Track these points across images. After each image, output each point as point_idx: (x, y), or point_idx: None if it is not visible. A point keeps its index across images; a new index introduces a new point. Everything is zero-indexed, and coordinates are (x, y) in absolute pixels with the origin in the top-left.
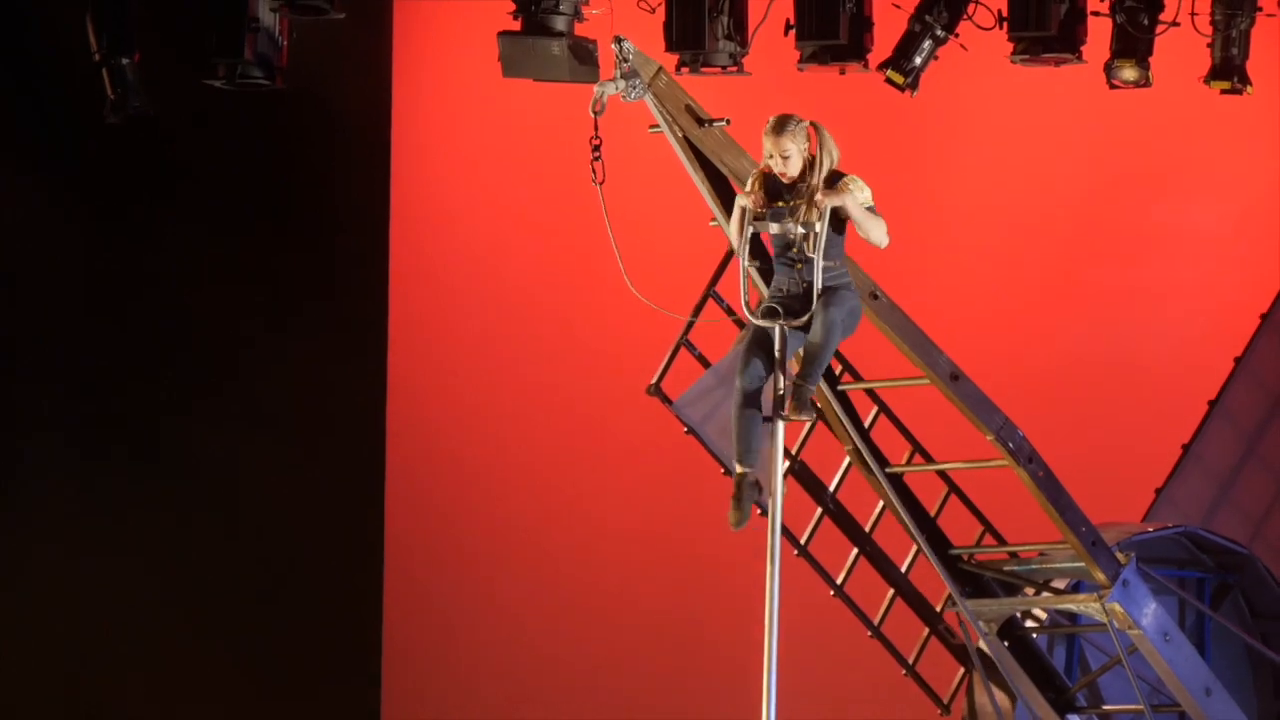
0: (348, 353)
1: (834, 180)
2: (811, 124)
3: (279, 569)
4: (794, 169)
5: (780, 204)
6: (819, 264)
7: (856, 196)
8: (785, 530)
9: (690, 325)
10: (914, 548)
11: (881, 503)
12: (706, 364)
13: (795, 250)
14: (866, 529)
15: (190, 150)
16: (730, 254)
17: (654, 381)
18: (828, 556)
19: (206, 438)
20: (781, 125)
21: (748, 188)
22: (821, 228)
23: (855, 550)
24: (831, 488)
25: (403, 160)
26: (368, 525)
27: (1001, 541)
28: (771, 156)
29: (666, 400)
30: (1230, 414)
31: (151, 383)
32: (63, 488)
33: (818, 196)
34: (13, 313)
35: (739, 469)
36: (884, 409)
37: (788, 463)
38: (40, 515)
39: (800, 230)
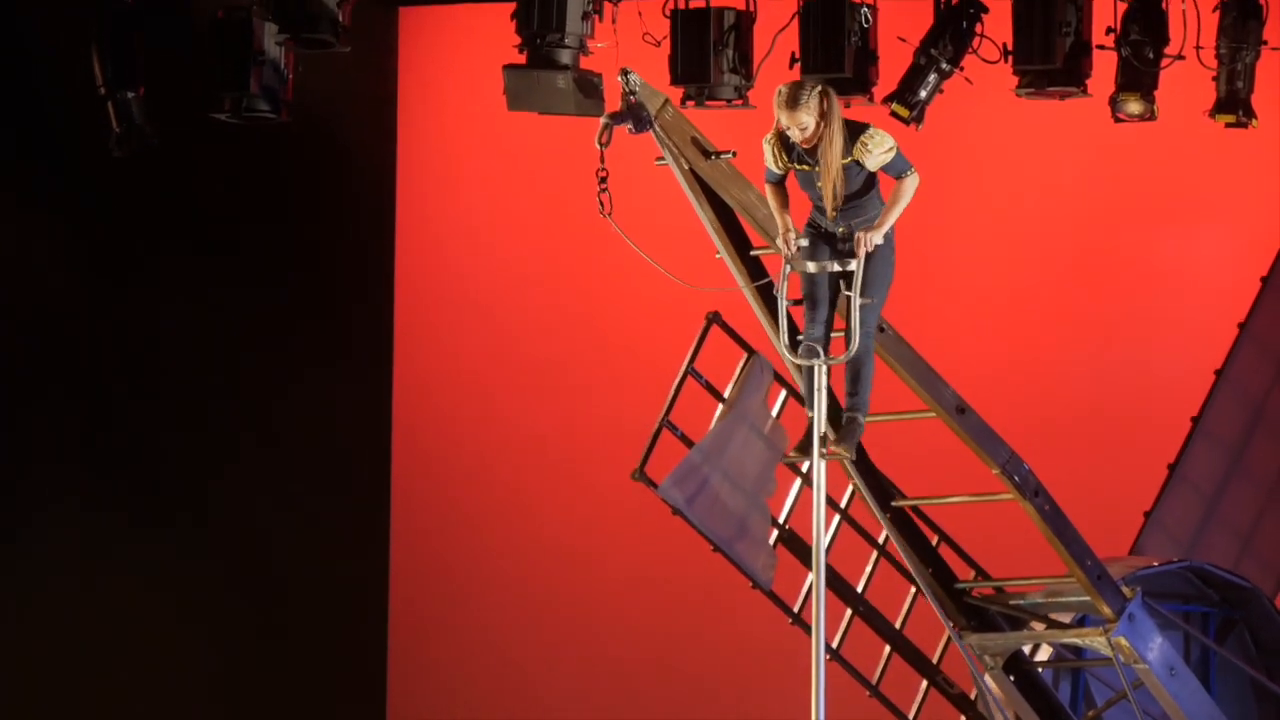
0: (352, 382)
1: (854, 132)
2: (823, 90)
3: (283, 595)
4: (811, 135)
5: (802, 166)
6: (856, 303)
7: (880, 150)
8: (775, 598)
9: (670, 406)
10: (911, 590)
11: (874, 554)
12: (689, 443)
13: (829, 209)
14: (859, 588)
15: (195, 183)
16: (710, 323)
17: (638, 467)
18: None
19: (211, 466)
20: (795, 99)
21: (768, 142)
22: (859, 265)
23: (849, 611)
24: (825, 549)
25: (408, 193)
26: (373, 555)
27: (988, 578)
28: (789, 129)
29: (651, 484)
30: (1212, 430)
31: (156, 411)
32: (66, 515)
33: (857, 235)
34: (16, 342)
35: (811, 415)
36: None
37: (775, 531)
38: (45, 542)
39: (828, 194)
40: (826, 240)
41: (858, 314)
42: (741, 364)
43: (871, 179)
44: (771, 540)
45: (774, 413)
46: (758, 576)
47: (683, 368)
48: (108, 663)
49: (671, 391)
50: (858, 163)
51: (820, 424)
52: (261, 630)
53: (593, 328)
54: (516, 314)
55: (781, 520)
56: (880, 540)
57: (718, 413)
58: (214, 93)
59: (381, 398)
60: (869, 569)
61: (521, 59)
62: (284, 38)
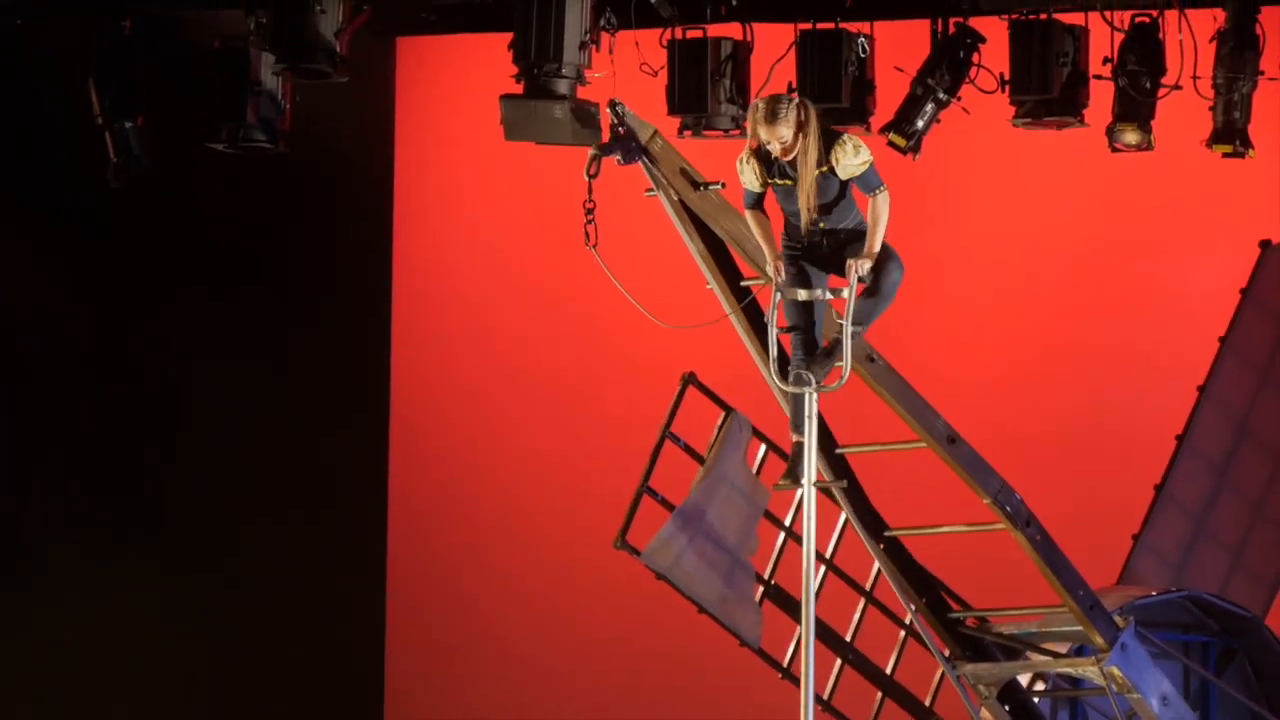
0: (350, 412)
1: (829, 140)
2: (801, 102)
3: (283, 635)
4: (790, 147)
5: (782, 180)
6: (849, 330)
7: (854, 161)
8: (764, 654)
9: (649, 471)
10: (901, 634)
11: (862, 602)
12: (670, 507)
13: (804, 221)
14: (848, 636)
15: (193, 212)
16: (685, 385)
17: (619, 536)
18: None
19: (209, 502)
20: (774, 113)
21: (743, 161)
22: (850, 293)
23: (839, 661)
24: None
25: (405, 223)
26: (370, 594)
27: (965, 606)
28: (768, 142)
29: (635, 552)
30: (1198, 447)
31: (154, 446)
32: (67, 555)
33: (849, 263)
34: (16, 368)
35: (794, 437)
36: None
37: (760, 589)
38: (46, 583)
39: (804, 205)
40: (808, 254)
41: (849, 342)
42: (720, 423)
43: (846, 186)
44: (757, 597)
45: (754, 469)
46: (745, 635)
47: (660, 432)
48: (108, 659)
49: (650, 457)
50: (832, 170)
51: (811, 451)
52: (261, 638)
53: (590, 349)
54: (514, 338)
55: (767, 575)
56: (869, 586)
57: (698, 474)
58: (211, 123)
59: (379, 420)
60: (857, 616)
61: (519, 89)
62: (281, 68)
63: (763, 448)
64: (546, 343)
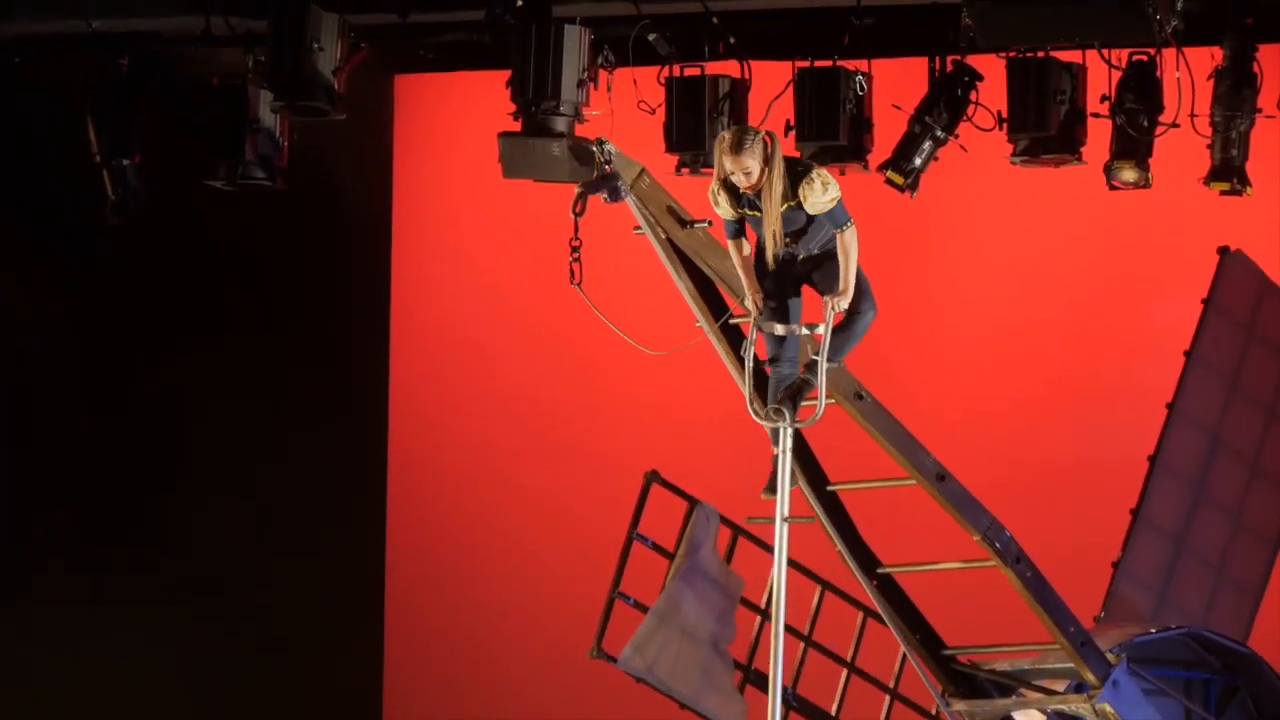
0: (350, 447)
1: (797, 175)
2: (767, 134)
3: (282, 671)
4: (755, 180)
5: (751, 211)
6: (823, 366)
7: (823, 199)
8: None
9: (619, 576)
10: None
11: (845, 673)
12: (644, 609)
13: (770, 252)
14: (833, 709)
15: (190, 251)
16: (649, 483)
17: (595, 645)
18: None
19: (208, 535)
20: (740, 144)
21: (715, 193)
22: (826, 330)
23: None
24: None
25: (403, 260)
26: (368, 621)
27: (937, 639)
28: (733, 173)
29: (610, 659)
30: (1171, 465)
31: (153, 477)
32: (65, 589)
33: (826, 300)
34: (10, 414)
35: (776, 451)
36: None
37: (741, 675)
38: (44, 616)
39: (769, 237)
40: (781, 273)
41: (824, 378)
42: (686, 516)
43: (814, 216)
44: (738, 685)
45: (725, 558)
46: None
47: (627, 534)
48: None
49: (619, 561)
50: (799, 205)
51: (785, 485)
52: (261, 673)
53: (586, 385)
54: (512, 373)
55: (746, 660)
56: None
57: (669, 571)
58: (209, 160)
59: (378, 453)
60: (842, 684)
61: (517, 127)
62: (279, 105)
63: (733, 534)
64: (543, 377)
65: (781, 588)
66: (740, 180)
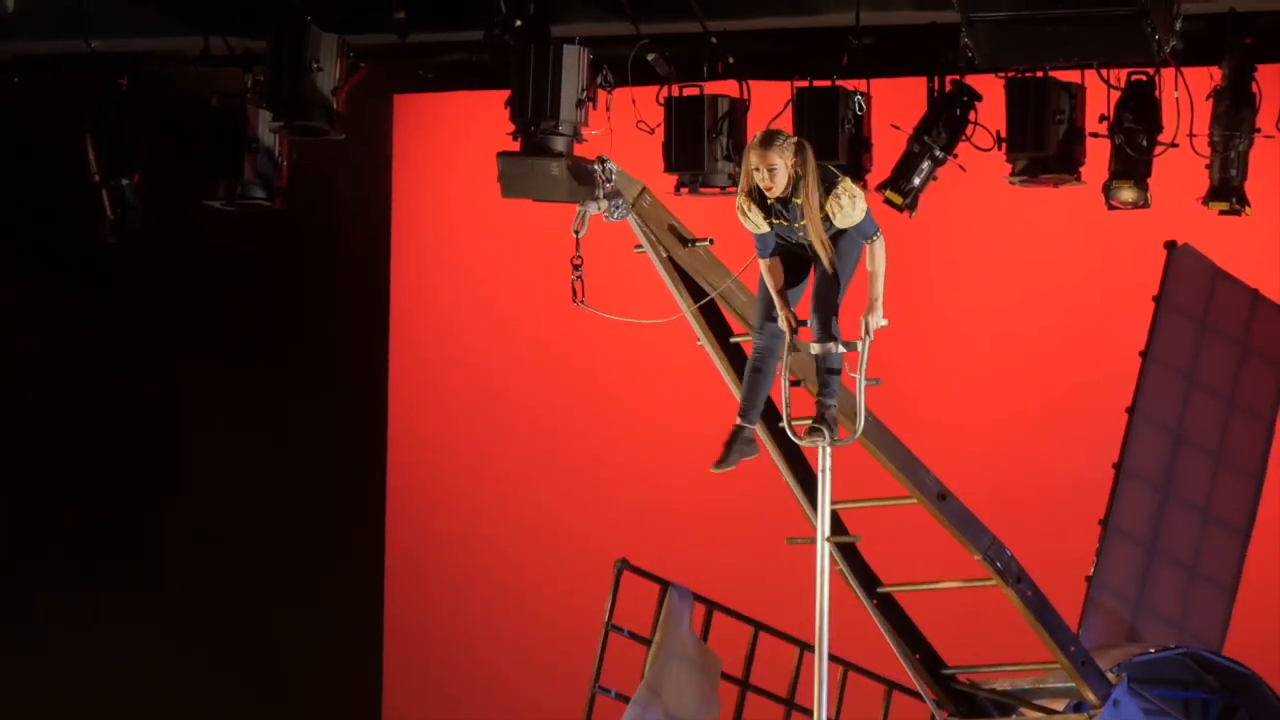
0: (346, 464)
1: (828, 188)
2: (799, 142)
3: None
4: (779, 184)
5: (779, 220)
6: (862, 384)
7: (853, 214)
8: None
9: (599, 670)
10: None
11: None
12: (625, 699)
13: (830, 257)
14: None
15: (189, 270)
16: (619, 572)
17: None
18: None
19: (206, 557)
20: (769, 140)
21: (743, 209)
22: (864, 347)
23: None
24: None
25: (402, 280)
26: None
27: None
28: (757, 169)
29: None
30: (1135, 470)
31: (149, 502)
32: (64, 618)
33: (863, 320)
34: (6, 437)
35: (738, 421)
36: None
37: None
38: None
39: (819, 248)
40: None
41: (863, 395)
42: (660, 599)
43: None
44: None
45: (701, 634)
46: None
47: (604, 627)
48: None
49: (597, 654)
50: (828, 218)
51: (825, 506)
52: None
53: (587, 403)
54: (511, 392)
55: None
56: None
57: (647, 656)
58: (209, 180)
59: (377, 472)
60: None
61: (515, 146)
62: (279, 125)
63: (707, 610)
64: (543, 397)
65: (824, 612)
66: (763, 180)
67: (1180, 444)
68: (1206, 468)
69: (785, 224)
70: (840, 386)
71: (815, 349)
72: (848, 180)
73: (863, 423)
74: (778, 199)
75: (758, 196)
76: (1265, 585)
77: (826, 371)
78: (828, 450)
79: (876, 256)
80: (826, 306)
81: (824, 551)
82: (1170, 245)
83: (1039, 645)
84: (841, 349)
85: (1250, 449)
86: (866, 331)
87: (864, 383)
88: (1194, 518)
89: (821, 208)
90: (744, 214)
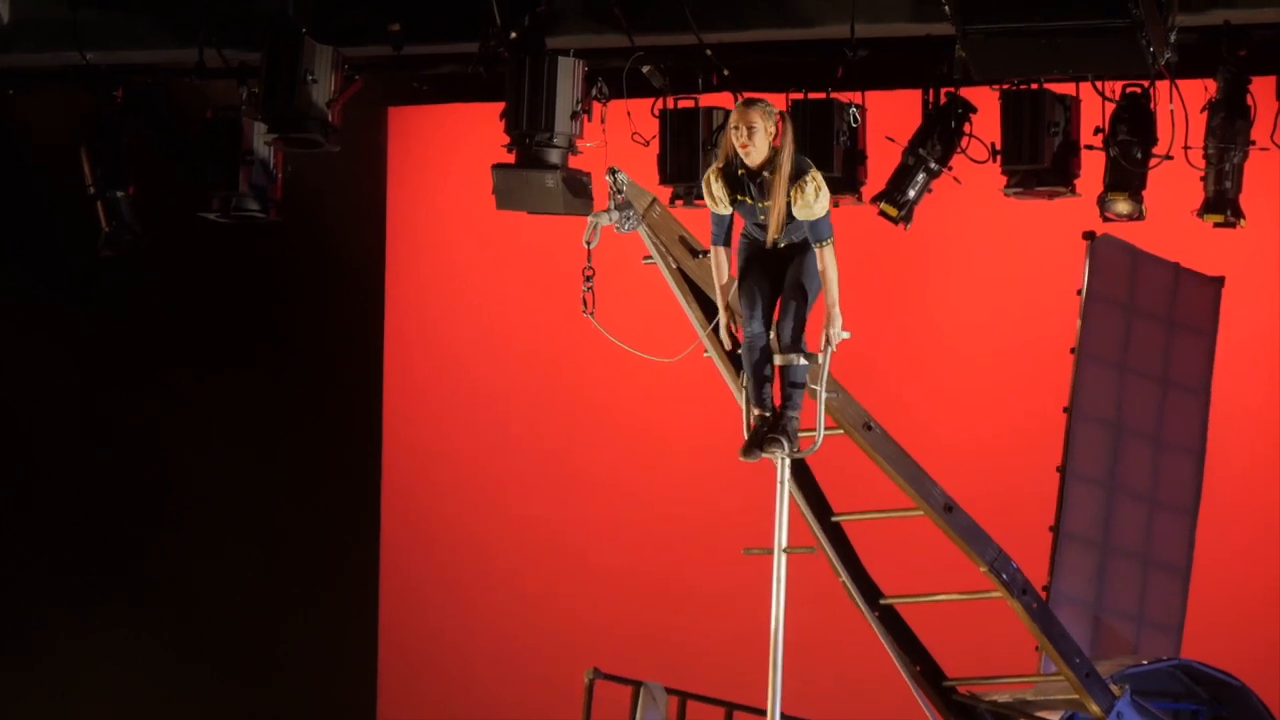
0: (341, 477)
1: (798, 174)
2: (781, 114)
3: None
4: (757, 151)
5: (744, 198)
6: (822, 398)
7: (814, 207)
8: None
9: None
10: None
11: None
12: None
13: (769, 238)
14: None
15: (184, 282)
16: (591, 682)
17: None
18: None
19: (202, 568)
20: (753, 101)
21: (710, 183)
22: (824, 359)
23: None
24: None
25: (397, 291)
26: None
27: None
28: (736, 128)
29: None
30: (1079, 470)
31: (144, 514)
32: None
33: (825, 333)
34: (6, 439)
35: (755, 412)
36: None
37: None
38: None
39: (773, 224)
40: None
41: (823, 407)
42: (633, 700)
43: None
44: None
45: None
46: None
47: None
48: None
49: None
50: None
51: (783, 517)
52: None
53: (582, 417)
54: (506, 405)
55: None
56: None
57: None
58: (203, 192)
59: (372, 485)
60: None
61: (510, 158)
62: (273, 137)
63: (680, 700)
64: (538, 410)
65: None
66: (740, 138)
67: (1121, 434)
68: (1148, 453)
69: (750, 201)
70: (848, 398)
71: (779, 360)
72: (819, 174)
73: (822, 436)
74: (747, 172)
75: (729, 174)
76: (1262, 591)
77: (789, 384)
78: (786, 462)
79: (827, 261)
80: (793, 318)
81: (781, 563)
82: (1089, 235)
83: (1034, 657)
84: (804, 361)
85: (1188, 426)
86: (828, 343)
87: (824, 395)
88: (1141, 507)
89: (787, 191)
90: (708, 188)
